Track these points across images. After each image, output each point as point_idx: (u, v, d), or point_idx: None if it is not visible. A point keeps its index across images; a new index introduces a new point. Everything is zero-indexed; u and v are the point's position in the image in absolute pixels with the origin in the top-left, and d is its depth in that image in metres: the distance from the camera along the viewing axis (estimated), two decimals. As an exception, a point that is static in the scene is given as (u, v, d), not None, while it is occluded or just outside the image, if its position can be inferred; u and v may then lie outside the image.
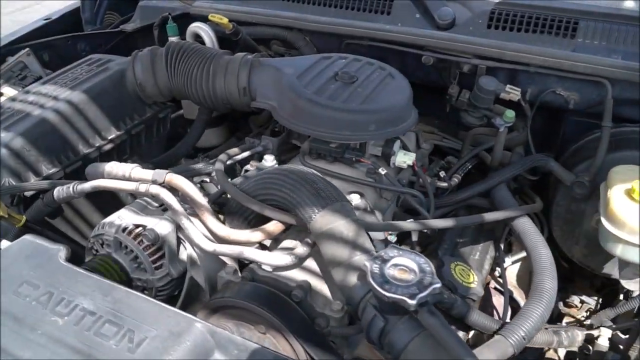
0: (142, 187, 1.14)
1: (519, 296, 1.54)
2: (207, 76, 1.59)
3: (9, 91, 1.73)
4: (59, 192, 1.25)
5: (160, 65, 1.65)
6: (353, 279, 0.97)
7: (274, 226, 1.13)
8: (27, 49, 1.82)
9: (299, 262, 1.06)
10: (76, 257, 1.32)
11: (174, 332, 0.85)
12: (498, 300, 1.54)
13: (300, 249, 1.06)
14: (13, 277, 0.94)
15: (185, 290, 1.20)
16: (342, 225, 1.01)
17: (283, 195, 1.10)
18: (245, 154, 1.46)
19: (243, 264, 1.20)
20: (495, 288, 1.58)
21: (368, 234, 1.23)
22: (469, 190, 1.53)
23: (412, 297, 0.82)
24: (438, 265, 1.29)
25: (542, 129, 1.78)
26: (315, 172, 1.16)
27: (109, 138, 1.61)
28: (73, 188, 1.23)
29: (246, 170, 1.48)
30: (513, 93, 1.57)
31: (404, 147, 1.57)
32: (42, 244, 1.01)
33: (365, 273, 0.96)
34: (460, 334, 1.20)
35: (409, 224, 1.19)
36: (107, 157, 1.63)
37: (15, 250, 1.01)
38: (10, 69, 1.77)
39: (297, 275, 1.07)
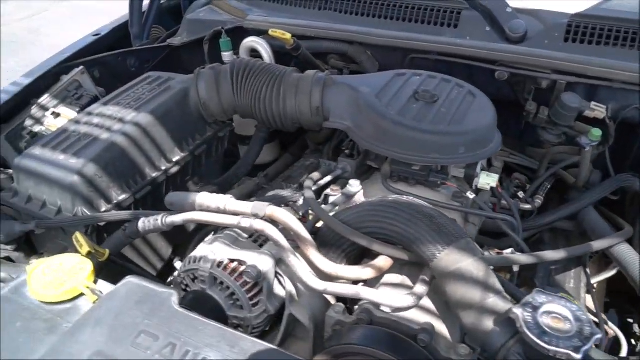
0: (245, 222, 1.07)
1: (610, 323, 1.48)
2: (277, 95, 1.52)
3: (66, 111, 1.66)
4: (145, 224, 1.19)
5: (225, 84, 1.58)
6: (489, 323, 0.91)
7: (385, 262, 1.07)
8: (82, 67, 1.75)
9: (418, 302, 0.99)
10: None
11: (316, 389, 0.79)
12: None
13: (420, 289, 1.00)
14: (128, 326, 0.88)
15: (284, 328, 1.13)
16: (471, 265, 0.95)
17: (396, 230, 1.04)
18: (328, 178, 1.40)
19: (345, 299, 1.13)
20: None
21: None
22: (555, 213, 1.47)
23: (576, 350, 0.76)
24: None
25: (615, 146, 1.72)
26: (429, 205, 1.10)
27: (175, 160, 1.55)
28: (162, 221, 1.16)
29: (327, 196, 1.42)
30: (598, 110, 1.51)
31: (483, 168, 1.51)
32: (151, 288, 0.95)
33: (502, 317, 0.91)
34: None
35: (524, 258, 1.12)
36: (172, 180, 1.57)
37: (124, 295, 0.94)
38: (66, 88, 1.70)
39: (417, 316, 1.00)
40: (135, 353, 0.84)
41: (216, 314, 1.12)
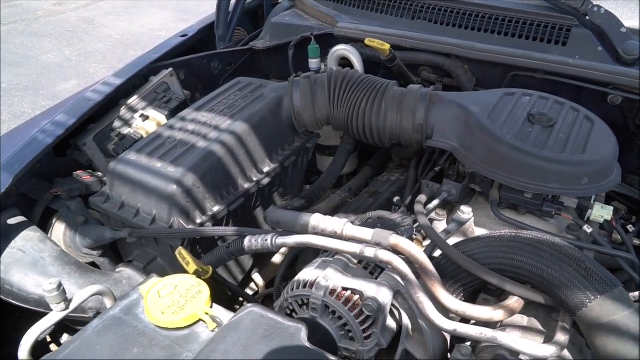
0: (369, 252, 1.00)
1: None
2: (378, 110, 1.45)
3: (154, 114, 1.62)
4: (252, 242, 1.13)
5: (321, 94, 1.52)
6: (648, 384, 0.81)
7: (518, 304, 0.98)
8: (171, 69, 1.71)
9: (560, 353, 0.91)
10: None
11: None
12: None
13: (562, 337, 0.91)
14: (258, 363, 0.82)
15: (396, 365, 1.06)
16: (626, 318, 0.86)
17: (535, 271, 0.95)
18: (436, 202, 1.32)
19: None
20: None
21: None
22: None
23: None
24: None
25: None
26: (573, 245, 1.01)
27: (266, 171, 1.50)
28: (272, 241, 1.10)
29: (431, 220, 1.34)
30: None
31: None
32: (277, 320, 0.89)
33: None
34: None
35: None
36: (261, 192, 1.52)
37: (249, 327, 0.88)
38: (154, 90, 1.67)
39: (554, 367, 0.92)
40: (269, 395, 0.78)
41: (326, 344, 1.05)
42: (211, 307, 0.95)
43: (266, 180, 1.49)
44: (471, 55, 1.69)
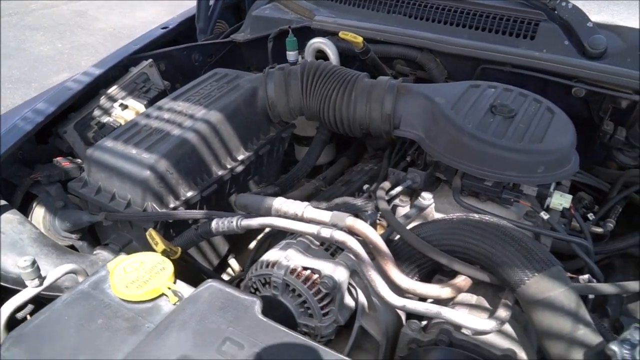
0: (325, 232, 1.06)
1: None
2: (348, 100, 1.50)
3: (133, 104, 1.67)
4: (219, 224, 1.18)
5: (294, 85, 1.57)
6: (578, 356, 0.87)
7: (464, 282, 1.04)
8: (150, 60, 1.76)
9: (500, 327, 0.96)
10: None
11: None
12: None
13: (504, 313, 0.97)
14: (213, 332, 0.87)
15: (353, 339, 1.11)
16: (562, 295, 0.92)
17: (481, 250, 1.01)
18: (399, 188, 1.37)
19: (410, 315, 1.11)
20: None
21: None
22: (629, 239, 1.41)
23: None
24: (615, 327, 1.19)
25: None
26: (516, 227, 1.06)
27: (240, 159, 1.55)
28: (237, 223, 1.15)
29: (395, 206, 1.40)
30: (682, 135, 1.45)
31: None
32: (234, 294, 0.94)
33: (595, 351, 0.87)
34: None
35: (610, 288, 1.08)
36: (236, 179, 1.57)
37: (206, 299, 0.94)
38: (134, 80, 1.71)
39: (497, 341, 0.98)
40: (221, 361, 0.83)
41: (286, 320, 1.11)
42: (174, 282, 1.00)
43: (240, 168, 1.54)
44: (442, 48, 1.75)
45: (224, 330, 0.88)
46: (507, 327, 1.01)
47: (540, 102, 1.46)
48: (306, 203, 1.14)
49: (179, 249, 1.18)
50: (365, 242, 1.07)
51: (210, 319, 0.90)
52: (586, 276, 1.20)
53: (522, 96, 1.48)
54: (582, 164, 1.76)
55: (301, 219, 1.12)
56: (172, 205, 1.37)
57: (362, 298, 1.10)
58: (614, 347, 0.80)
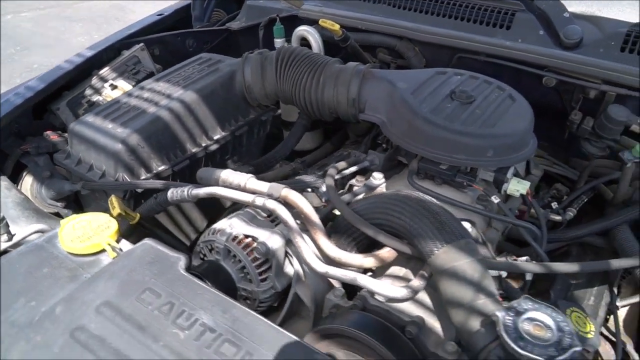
0: (258, 201, 1.13)
1: (629, 347, 1.42)
2: (317, 84, 1.56)
3: (122, 84, 1.78)
4: (173, 194, 1.27)
5: (269, 69, 1.64)
6: (475, 324, 0.91)
7: (388, 253, 1.09)
8: (142, 44, 1.87)
9: (413, 295, 1.01)
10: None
11: (293, 362, 0.83)
12: (604, 348, 1.44)
13: (417, 283, 1.02)
14: (136, 283, 0.96)
15: (288, 306, 1.18)
16: (466, 265, 0.96)
17: (401, 223, 1.06)
18: (353, 168, 1.43)
19: (349, 286, 1.16)
20: (600, 333, 1.47)
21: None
22: (586, 228, 1.42)
23: (550, 359, 0.76)
24: (552, 309, 1.21)
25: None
26: (437, 202, 1.11)
27: (215, 138, 1.63)
28: (187, 192, 1.24)
29: (351, 186, 1.45)
30: (646, 126, 1.44)
31: (516, 174, 1.48)
32: (163, 251, 1.03)
33: (489, 320, 0.91)
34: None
35: (532, 266, 1.11)
36: (211, 157, 1.65)
37: (138, 254, 1.03)
38: (125, 62, 1.83)
39: (410, 309, 1.03)
40: (137, 307, 0.92)
41: (227, 284, 1.19)
42: (117, 241, 1.10)
43: (214, 147, 1.63)
44: (419, 37, 1.79)
45: (147, 282, 0.96)
46: (424, 297, 1.06)
47: (503, 89, 1.48)
48: (250, 175, 1.21)
49: (137, 215, 1.27)
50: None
51: (137, 271, 0.98)
52: (524, 257, 1.23)
53: (486, 83, 1.50)
54: (560, 155, 1.78)
55: (243, 190, 1.19)
56: (143, 177, 1.47)
57: (297, 266, 1.17)
58: (498, 313, 0.83)
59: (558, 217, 1.46)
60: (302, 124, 1.84)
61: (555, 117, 1.67)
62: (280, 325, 1.18)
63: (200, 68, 1.72)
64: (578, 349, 0.78)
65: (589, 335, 1.16)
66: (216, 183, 1.24)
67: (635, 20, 1.62)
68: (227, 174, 1.22)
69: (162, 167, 1.50)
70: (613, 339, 1.33)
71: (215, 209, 1.64)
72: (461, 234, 1.01)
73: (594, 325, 1.20)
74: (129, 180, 1.44)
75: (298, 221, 1.14)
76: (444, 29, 1.76)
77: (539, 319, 0.82)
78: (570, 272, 1.13)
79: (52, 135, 1.61)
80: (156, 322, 0.90)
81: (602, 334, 1.46)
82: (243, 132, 1.72)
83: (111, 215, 1.22)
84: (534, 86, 1.65)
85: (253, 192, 1.18)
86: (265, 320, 0.91)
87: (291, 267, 1.21)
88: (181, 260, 1.00)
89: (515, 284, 1.38)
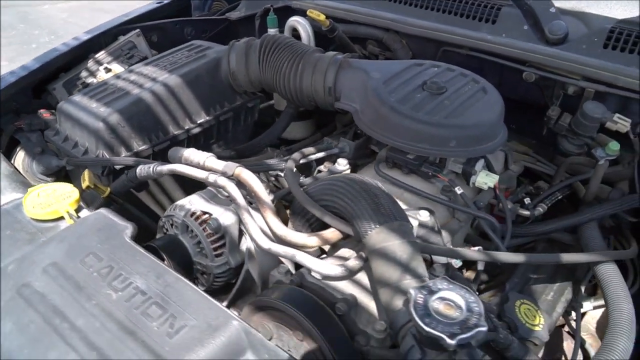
0: (211, 178, 1.17)
1: (594, 345, 1.41)
2: (296, 72, 1.59)
3: (116, 68, 1.86)
4: (141, 170, 1.33)
5: (253, 57, 1.68)
6: (399, 302, 0.93)
7: (332, 234, 1.12)
8: (138, 30, 1.94)
9: (349, 275, 1.04)
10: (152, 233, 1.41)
11: (212, 326, 0.87)
12: (569, 346, 1.43)
13: (353, 262, 1.04)
14: (83, 247, 1.02)
15: (240, 282, 1.22)
16: (396, 246, 0.98)
17: (343, 204, 1.09)
18: (320, 154, 1.46)
19: (299, 265, 1.20)
20: (569, 332, 1.45)
21: (431, 257, 1.20)
22: (553, 224, 1.41)
23: (452, 336, 0.77)
24: (502, 301, 1.21)
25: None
26: (380, 185, 1.13)
27: (198, 122, 1.68)
28: (153, 169, 1.29)
29: (319, 171, 1.48)
30: (621, 123, 1.41)
31: (489, 167, 1.48)
32: (114, 220, 1.08)
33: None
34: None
35: (472, 253, 1.12)
36: (194, 140, 1.71)
37: (90, 222, 1.08)
38: (120, 47, 1.90)
39: (345, 287, 1.05)
40: (80, 268, 0.98)
41: (184, 258, 1.24)
42: (78, 210, 1.16)
43: (196, 130, 1.68)
44: (405, 29, 1.80)
45: (93, 247, 1.02)
46: (362, 277, 1.08)
47: (477, 82, 1.49)
48: (210, 154, 1.26)
49: (107, 189, 1.34)
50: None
51: (86, 237, 1.04)
52: (476, 248, 1.23)
53: (462, 76, 1.51)
54: (546, 153, 1.76)
55: (202, 167, 1.24)
56: (122, 155, 1.53)
57: (249, 243, 1.21)
58: (412, 291, 0.85)
59: (526, 212, 1.45)
60: (290, 113, 1.87)
61: (539, 113, 1.66)
62: (233, 300, 1.23)
63: (189, 54, 1.77)
64: (483, 329, 0.79)
65: (537, 328, 1.16)
66: (179, 161, 1.29)
67: (622, 16, 1.59)
68: (190, 153, 1.27)
69: (142, 147, 1.56)
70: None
71: (196, 187, 1.70)
72: (396, 216, 1.03)
73: (545, 319, 1.20)
74: (108, 157, 1.51)
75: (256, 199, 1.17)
76: (430, 22, 1.76)
77: (450, 298, 0.83)
78: (514, 262, 1.13)
79: (45, 114, 1.70)
80: (93, 283, 0.95)
81: (569, 333, 1.46)
82: (228, 117, 1.77)
83: (82, 187, 1.29)
84: (517, 81, 1.64)
85: (210, 170, 1.22)
86: (196, 288, 0.95)
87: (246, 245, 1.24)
88: (128, 229, 1.06)
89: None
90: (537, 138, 1.75)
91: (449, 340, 0.77)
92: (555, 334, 1.42)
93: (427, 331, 0.79)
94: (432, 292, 0.85)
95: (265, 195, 1.16)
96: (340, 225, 1.09)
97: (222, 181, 1.16)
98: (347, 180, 1.13)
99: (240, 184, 1.18)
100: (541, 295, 1.30)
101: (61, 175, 1.72)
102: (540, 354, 1.32)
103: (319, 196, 1.16)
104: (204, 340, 0.85)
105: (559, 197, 1.52)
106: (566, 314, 1.41)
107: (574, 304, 1.38)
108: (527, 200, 1.51)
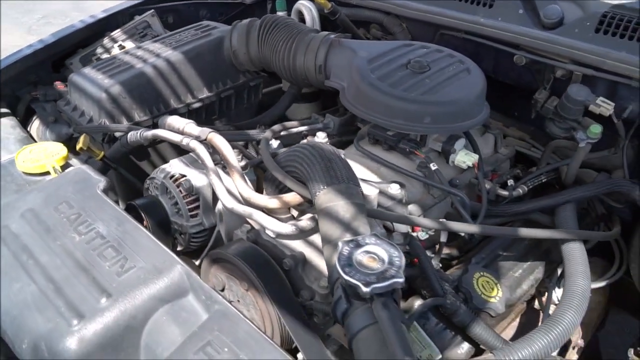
0: (185, 141, 1.25)
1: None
2: (290, 51, 1.65)
3: (130, 46, 1.97)
4: (131, 136, 1.42)
5: (253, 36, 1.75)
6: (336, 258, 0.97)
7: (292, 197, 1.16)
8: (153, 10, 2.05)
9: (300, 234, 1.09)
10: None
11: (157, 268, 0.95)
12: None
13: (304, 222, 1.09)
14: (59, 196, 1.12)
15: (212, 242, 1.29)
16: (340, 206, 1.02)
17: (301, 169, 1.13)
18: (302, 128, 1.51)
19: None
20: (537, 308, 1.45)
21: (392, 225, 1.23)
22: (530, 204, 1.41)
23: (367, 284, 0.81)
24: (463, 272, 1.23)
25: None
26: (336, 151, 1.17)
27: (199, 97, 1.76)
28: (140, 134, 1.38)
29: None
30: (604, 107, 1.39)
31: (473, 148, 1.49)
32: (90, 174, 1.18)
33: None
34: (466, 346, 1.13)
35: (423, 221, 1.14)
36: (195, 114, 1.79)
37: (70, 176, 1.18)
38: (135, 26, 2.01)
39: (297, 246, 1.10)
40: (51, 214, 1.07)
41: (162, 217, 1.32)
42: (64, 166, 1.26)
43: (197, 105, 1.76)
44: (404, 13, 1.82)
45: (67, 197, 1.11)
46: (315, 238, 1.13)
47: (463, 63, 1.50)
48: (190, 121, 1.33)
49: (101, 152, 1.44)
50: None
51: (63, 188, 1.14)
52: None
53: (449, 57, 1.53)
54: (544, 139, 1.75)
55: (182, 133, 1.32)
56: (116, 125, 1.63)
57: (220, 205, 1.27)
58: (340, 243, 0.89)
59: (505, 192, 1.45)
60: (292, 93, 1.93)
61: (531, 97, 1.65)
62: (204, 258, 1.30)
63: (195, 33, 1.86)
64: (400, 280, 0.82)
65: (492, 300, 1.18)
66: (163, 127, 1.37)
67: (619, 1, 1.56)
68: (173, 119, 1.36)
69: (143, 118, 1.65)
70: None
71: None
72: (345, 178, 1.07)
73: (503, 293, 1.21)
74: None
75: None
76: (428, 6, 1.78)
77: (375, 252, 0.87)
78: (467, 232, 1.15)
79: (60, 85, 1.82)
80: (61, 227, 1.04)
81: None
82: (230, 94, 1.85)
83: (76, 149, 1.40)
84: (509, 65, 1.64)
85: (188, 135, 1.30)
86: (152, 237, 1.02)
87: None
88: (101, 182, 1.15)
89: (449, 250, 1.41)
90: (536, 124, 1.74)
91: (364, 289, 0.81)
92: (532, 314, 1.42)
93: (346, 279, 0.83)
94: (359, 245, 0.89)
95: (234, 160, 1.22)
96: (298, 188, 1.14)
97: (194, 144, 1.23)
98: (308, 147, 1.18)
99: (215, 150, 1.25)
100: (508, 271, 1.31)
101: (71, 143, 1.84)
102: (514, 332, 1.34)
103: (285, 162, 1.21)
104: (148, 280, 0.93)
105: (543, 180, 1.52)
106: (540, 295, 1.41)
107: (547, 285, 1.37)
108: (510, 182, 1.51)
